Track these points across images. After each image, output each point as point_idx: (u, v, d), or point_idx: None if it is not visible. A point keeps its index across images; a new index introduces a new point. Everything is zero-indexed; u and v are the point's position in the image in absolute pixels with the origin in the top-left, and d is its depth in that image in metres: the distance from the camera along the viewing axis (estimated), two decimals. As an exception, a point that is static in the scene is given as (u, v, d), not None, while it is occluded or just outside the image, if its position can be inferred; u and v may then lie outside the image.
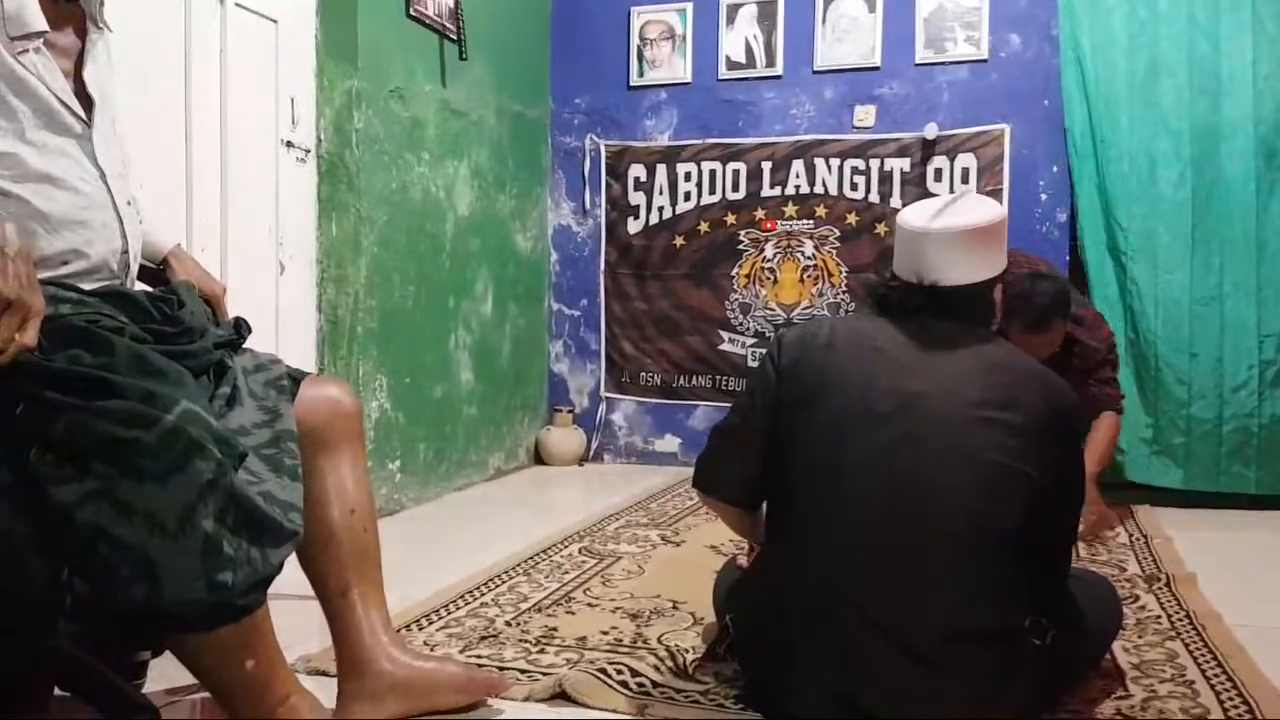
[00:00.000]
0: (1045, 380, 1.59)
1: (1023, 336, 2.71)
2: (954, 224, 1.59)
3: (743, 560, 1.96)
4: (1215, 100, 3.63)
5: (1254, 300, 3.55)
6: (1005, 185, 3.93)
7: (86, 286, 1.46)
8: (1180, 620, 2.19)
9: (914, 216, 1.65)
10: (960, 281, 1.60)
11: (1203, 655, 1.96)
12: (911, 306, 1.62)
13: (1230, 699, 1.74)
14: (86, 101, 1.53)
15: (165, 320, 1.48)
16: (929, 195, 3.50)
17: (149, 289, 1.60)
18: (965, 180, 3.96)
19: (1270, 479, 3.52)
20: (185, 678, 1.43)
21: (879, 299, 1.68)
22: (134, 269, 1.60)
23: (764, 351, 1.72)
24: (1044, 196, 3.91)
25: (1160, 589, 2.42)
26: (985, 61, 3.96)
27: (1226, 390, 3.56)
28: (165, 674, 1.62)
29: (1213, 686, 1.80)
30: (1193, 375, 3.59)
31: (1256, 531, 3.22)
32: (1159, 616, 2.22)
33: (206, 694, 1.41)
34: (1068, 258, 3.85)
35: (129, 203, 1.57)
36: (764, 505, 1.73)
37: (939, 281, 1.60)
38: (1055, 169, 3.88)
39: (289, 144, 2.94)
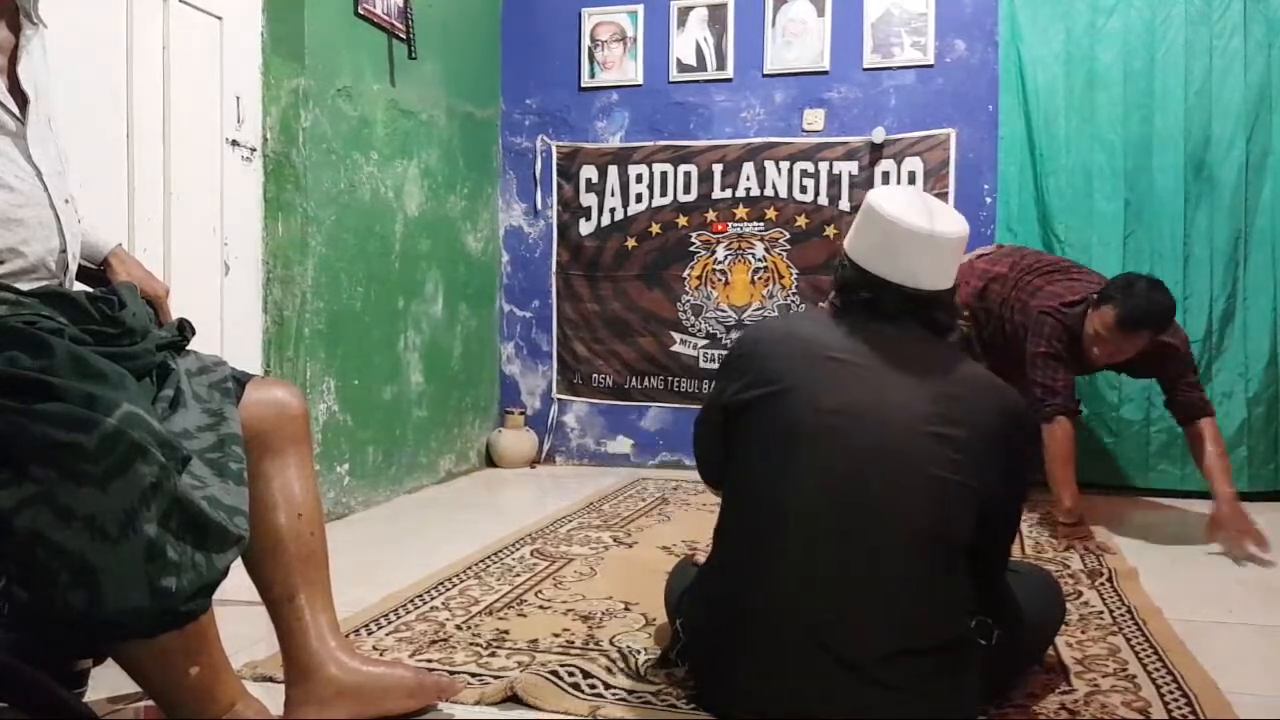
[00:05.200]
0: (997, 391, 1.59)
1: (1109, 330, 2.81)
2: (952, 230, 1.56)
3: (700, 557, 1.95)
4: (1148, 113, 3.75)
5: (1180, 309, 3.67)
6: (951, 189, 3.98)
7: (24, 286, 1.43)
8: (1122, 615, 2.23)
9: (911, 215, 1.56)
10: (945, 286, 1.60)
11: (1144, 649, 2.01)
12: (898, 311, 1.58)
13: (1170, 692, 1.78)
14: (21, 98, 1.49)
15: (106, 321, 1.45)
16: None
17: (89, 289, 1.57)
18: (912, 184, 4.01)
19: (1195, 476, 3.65)
20: (128, 685, 1.41)
21: (865, 303, 1.61)
22: (73, 269, 1.57)
23: (724, 359, 1.72)
24: (988, 200, 3.97)
25: (1102, 584, 2.47)
26: (931, 66, 4.01)
27: (1154, 393, 3.69)
28: (108, 682, 1.59)
29: (1154, 680, 1.84)
30: (1122, 379, 3.71)
31: (1196, 528, 3.29)
32: (1101, 612, 2.27)
33: (150, 702, 1.38)
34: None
35: (67, 201, 1.54)
36: None
37: (935, 286, 1.58)
38: (999, 174, 3.94)
39: (234, 143, 2.89)
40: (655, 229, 4.30)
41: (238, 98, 2.90)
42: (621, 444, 4.40)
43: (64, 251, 1.52)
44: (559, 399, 4.46)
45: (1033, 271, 3.24)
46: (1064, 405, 2.95)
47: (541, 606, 2.29)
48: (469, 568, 2.60)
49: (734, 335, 4.18)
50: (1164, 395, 3.14)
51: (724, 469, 1.67)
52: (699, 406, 1.76)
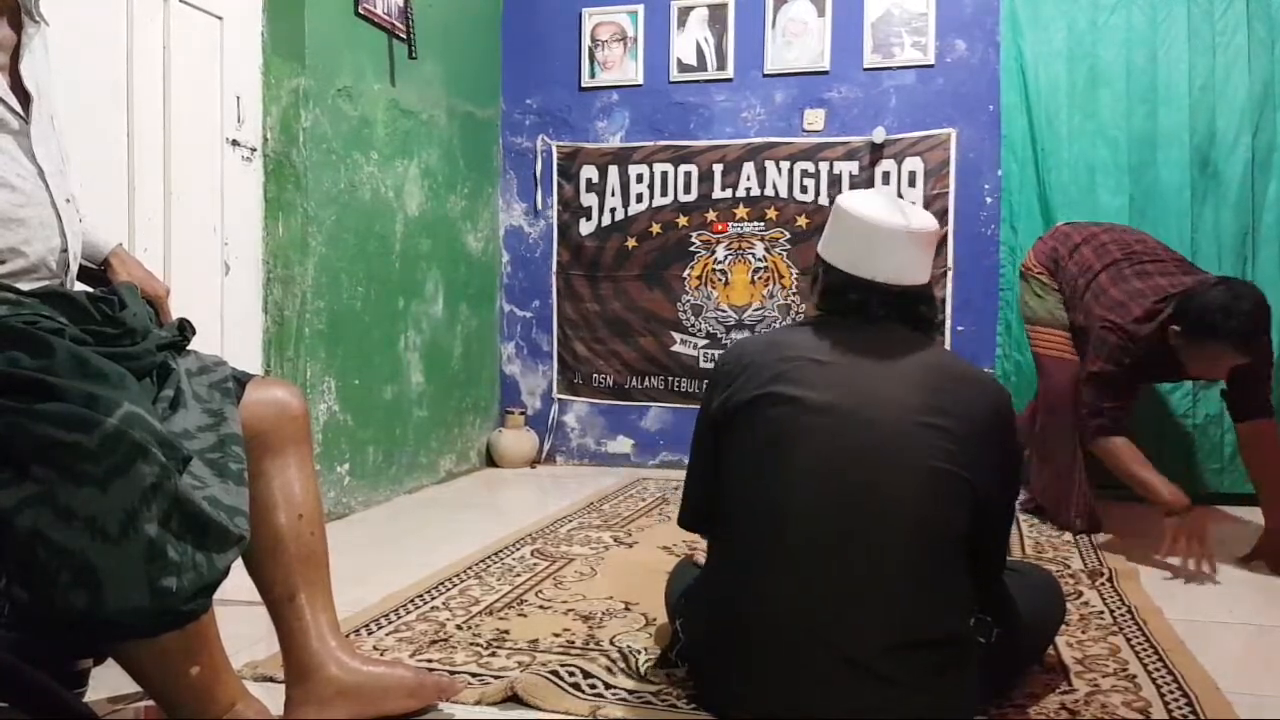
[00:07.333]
0: (986, 386, 1.61)
1: (1213, 354, 2.61)
2: (929, 224, 1.61)
3: (700, 558, 1.96)
4: (1152, 109, 3.74)
5: None
6: (951, 188, 3.98)
7: (25, 286, 1.43)
8: (1122, 615, 2.23)
9: (887, 215, 1.60)
10: (925, 280, 1.64)
11: (1144, 649, 2.01)
12: (885, 311, 1.60)
13: (1171, 692, 1.78)
14: (23, 96, 1.49)
15: (106, 321, 1.45)
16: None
17: (90, 289, 1.57)
18: (913, 184, 4.02)
19: (1206, 475, 3.65)
20: (128, 685, 1.41)
21: (850, 308, 1.62)
22: (73, 268, 1.57)
23: (709, 376, 1.72)
24: (989, 200, 3.97)
25: (1103, 584, 2.47)
26: (932, 66, 4.01)
27: (1163, 391, 3.68)
28: (108, 682, 1.59)
29: (1154, 680, 1.84)
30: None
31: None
32: (1101, 611, 2.26)
33: (150, 702, 1.38)
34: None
35: (68, 200, 1.54)
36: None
37: (917, 280, 1.62)
38: (1000, 172, 3.94)
39: (234, 143, 2.89)
40: (655, 229, 4.30)
41: (238, 98, 2.90)
42: (622, 444, 4.40)
43: (65, 251, 1.52)
44: (559, 399, 4.46)
45: (1100, 255, 3.05)
46: (1110, 428, 2.81)
47: (542, 606, 2.29)
48: (469, 568, 2.60)
49: (735, 335, 4.18)
50: (1225, 384, 2.88)
51: (711, 499, 1.64)
52: (699, 406, 1.73)
